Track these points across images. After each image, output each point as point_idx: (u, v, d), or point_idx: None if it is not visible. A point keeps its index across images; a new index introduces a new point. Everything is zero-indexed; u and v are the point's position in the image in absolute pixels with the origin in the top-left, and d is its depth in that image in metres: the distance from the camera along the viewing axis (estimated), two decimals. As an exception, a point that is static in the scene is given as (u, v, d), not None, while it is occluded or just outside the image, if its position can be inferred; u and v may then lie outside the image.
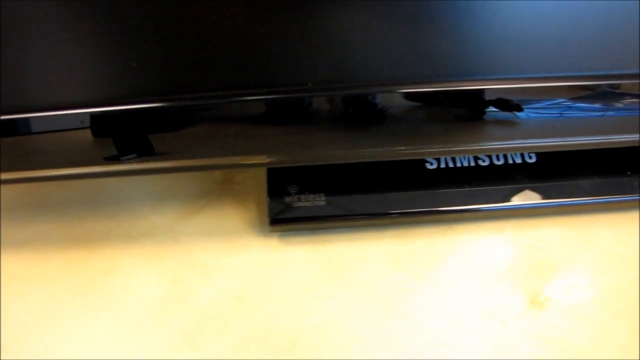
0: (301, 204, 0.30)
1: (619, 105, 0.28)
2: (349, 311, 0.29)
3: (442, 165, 0.31)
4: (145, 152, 0.27)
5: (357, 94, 0.26)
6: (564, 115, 0.27)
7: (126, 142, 0.27)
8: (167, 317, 0.29)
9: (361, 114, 0.26)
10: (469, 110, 0.26)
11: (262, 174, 0.34)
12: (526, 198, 0.31)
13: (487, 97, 0.26)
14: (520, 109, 0.26)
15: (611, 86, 0.27)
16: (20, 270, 0.31)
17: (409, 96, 0.26)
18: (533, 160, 0.32)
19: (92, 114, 0.26)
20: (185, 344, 0.28)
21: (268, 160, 0.29)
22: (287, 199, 0.30)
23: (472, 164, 0.31)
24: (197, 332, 0.28)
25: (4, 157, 0.28)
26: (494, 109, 0.26)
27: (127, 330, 0.28)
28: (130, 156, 0.27)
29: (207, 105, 0.26)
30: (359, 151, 0.28)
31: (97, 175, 0.29)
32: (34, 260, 0.32)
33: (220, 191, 0.34)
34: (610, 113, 0.28)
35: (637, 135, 0.29)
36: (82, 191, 0.36)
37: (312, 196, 0.30)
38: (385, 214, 0.30)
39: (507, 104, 0.26)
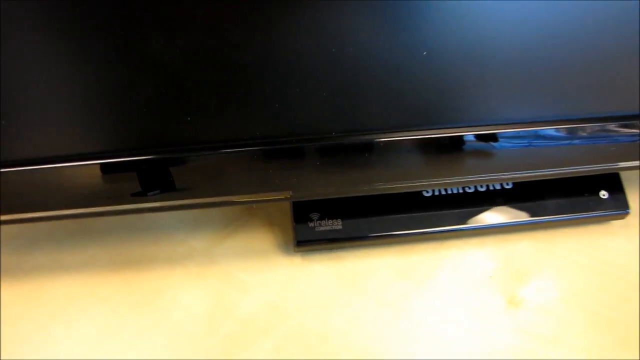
0: (322, 228, 0.38)
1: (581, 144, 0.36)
2: (365, 315, 0.37)
3: (436, 193, 0.39)
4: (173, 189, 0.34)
5: (368, 141, 0.34)
6: (535, 153, 0.36)
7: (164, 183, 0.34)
8: (215, 326, 0.36)
9: (373, 157, 0.34)
10: (458, 152, 0.35)
11: (283, 203, 0.42)
12: (504, 218, 0.39)
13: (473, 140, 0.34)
14: (496, 140, 0.34)
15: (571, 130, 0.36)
16: (80, 290, 0.38)
17: (414, 142, 0.34)
18: (510, 186, 0.40)
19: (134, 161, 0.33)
20: (233, 347, 0.35)
21: (292, 195, 0.37)
22: (310, 224, 0.38)
23: (460, 191, 0.40)
24: (242, 337, 0.36)
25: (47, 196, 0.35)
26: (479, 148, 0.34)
27: (183, 338, 0.36)
28: (156, 192, 0.34)
29: (245, 152, 0.34)
30: (371, 187, 0.36)
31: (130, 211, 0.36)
32: (90, 281, 0.39)
33: (246, 217, 0.42)
34: (572, 150, 0.36)
35: (593, 166, 0.38)
36: (122, 220, 0.43)
37: (330, 221, 0.38)
38: (391, 235, 0.38)
39: (488, 138, 0.34)
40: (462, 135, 0.34)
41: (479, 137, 0.34)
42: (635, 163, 0.38)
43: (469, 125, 0.34)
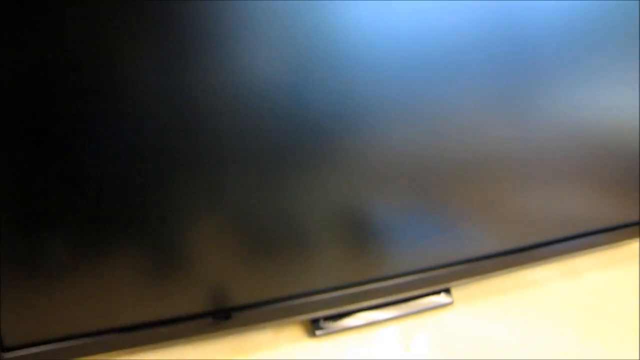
0: (326, 324, 0.90)
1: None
2: (346, 362, 0.90)
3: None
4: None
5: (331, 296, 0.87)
6: (411, 286, 0.91)
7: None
8: (284, 375, 0.88)
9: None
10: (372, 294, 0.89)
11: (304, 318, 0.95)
12: (395, 314, 0.94)
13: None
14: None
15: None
16: (219, 367, 0.88)
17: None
18: (398, 300, 0.95)
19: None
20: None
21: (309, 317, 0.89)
22: (318, 323, 0.90)
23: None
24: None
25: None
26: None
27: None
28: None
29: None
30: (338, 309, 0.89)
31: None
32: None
33: (279, 328, 0.94)
34: (426, 280, 0.92)
35: (433, 287, 0.94)
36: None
37: (328, 322, 0.91)
38: (347, 327, 0.92)
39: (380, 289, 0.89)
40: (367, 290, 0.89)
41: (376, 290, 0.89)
42: (461, 282, 0.95)
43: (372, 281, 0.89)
